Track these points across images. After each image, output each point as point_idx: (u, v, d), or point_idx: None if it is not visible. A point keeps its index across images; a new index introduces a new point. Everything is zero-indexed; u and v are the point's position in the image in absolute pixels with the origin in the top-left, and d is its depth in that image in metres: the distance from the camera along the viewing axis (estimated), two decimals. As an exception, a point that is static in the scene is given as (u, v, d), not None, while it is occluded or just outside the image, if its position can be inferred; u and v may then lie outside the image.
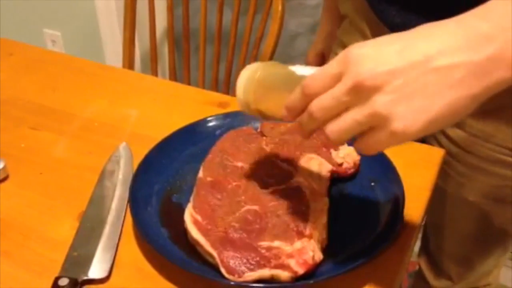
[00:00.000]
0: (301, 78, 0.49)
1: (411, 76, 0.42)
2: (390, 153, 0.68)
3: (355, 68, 0.44)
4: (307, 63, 1.11)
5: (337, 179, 0.68)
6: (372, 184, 0.66)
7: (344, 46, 0.89)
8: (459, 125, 0.79)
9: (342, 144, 0.52)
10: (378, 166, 0.67)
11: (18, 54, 0.98)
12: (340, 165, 0.68)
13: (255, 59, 1.39)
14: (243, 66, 1.37)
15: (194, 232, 0.59)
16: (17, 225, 0.65)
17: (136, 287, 0.57)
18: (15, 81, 0.91)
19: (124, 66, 1.40)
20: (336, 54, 0.57)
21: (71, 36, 2.09)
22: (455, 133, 0.79)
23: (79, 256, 0.59)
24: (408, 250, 0.61)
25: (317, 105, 0.47)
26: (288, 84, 0.52)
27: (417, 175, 0.69)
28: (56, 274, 0.57)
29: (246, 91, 0.56)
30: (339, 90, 0.45)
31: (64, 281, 0.55)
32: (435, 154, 0.73)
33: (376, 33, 0.76)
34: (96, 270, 0.58)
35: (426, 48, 0.43)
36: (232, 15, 1.37)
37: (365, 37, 0.84)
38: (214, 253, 0.56)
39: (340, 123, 0.46)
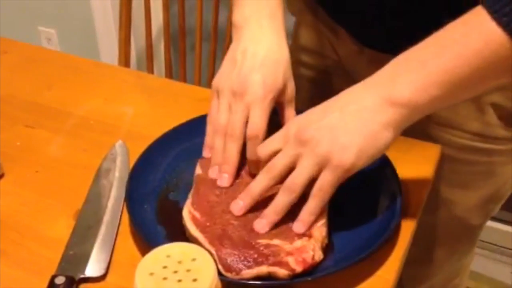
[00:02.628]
0: None
1: (334, 122, 0.57)
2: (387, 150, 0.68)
3: (294, 132, 0.58)
4: None
5: None
6: (370, 180, 0.66)
7: (300, 45, 0.93)
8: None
9: (317, 197, 0.59)
10: (375, 163, 0.67)
11: (13, 52, 0.97)
12: None
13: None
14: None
15: (193, 229, 0.58)
16: (13, 224, 0.65)
17: (133, 285, 0.56)
18: (10, 79, 0.90)
19: (120, 64, 1.40)
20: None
21: (66, 34, 2.08)
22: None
23: (75, 254, 0.59)
24: (406, 246, 0.61)
25: (271, 164, 0.59)
26: None
27: (414, 171, 0.69)
28: (53, 273, 0.56)
29: None
30: (286, 149, 0.59)
31: (60, 280, 0.55)
32: (432, 150, 0.73)
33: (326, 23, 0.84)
34: (93, 268, 0.58)
35: (340, 102, 0.59)
36: (228, 13, 1.37)
37: (323, 37, 0.88)
38: (212, 250, 0.56)
39: (294, 172, 0.58)
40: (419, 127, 0.78)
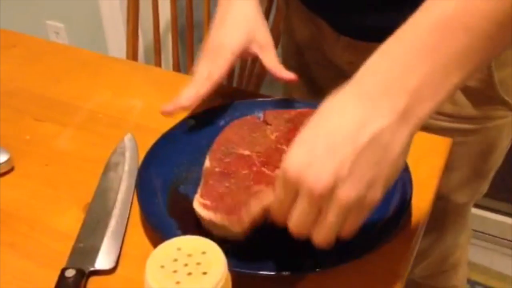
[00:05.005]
0: None
1: (351, 162, 0.46)
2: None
3: (303, 185, 0.47)
4: None
5: None
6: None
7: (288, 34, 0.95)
8: None
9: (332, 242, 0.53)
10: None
11: (21, 46, 0.98)
12: None
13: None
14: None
15: (204, 213, 0.58)
16: (23, 217, 0.65)
17: (143, 277, 0.57)
18: (19, 73, 0.90)
19: (127, 58, 1.39)
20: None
21: (74, 28, 2.08)
22: None
23: (85, 247, 0.59)
24: (416, 238, 0.60)
25: (293, 225, 0.50)
26: None
27: (425, 164, 0.68)
28: (62, 266, 0.57)
29: None
30: (302, 207, 0.48)
31: (70, 272, 0.55)
32: (442, 143, 0.73)
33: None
34: (103, 261, 0.58)
35: (347, 132, 0.46)
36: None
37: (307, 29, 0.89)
38: (230, 219, 0.56)
39: (321, 231, 0.49)
40: None
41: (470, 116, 0.79)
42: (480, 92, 0.77)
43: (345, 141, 0.46)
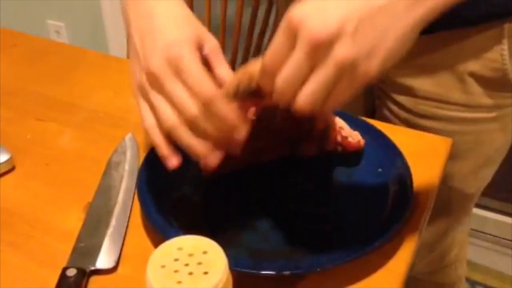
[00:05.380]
0: None
1: (359, 19, 0.44)
2: (397, 142, 0.68)
3: (305, 30, 0.44)
4: None
5: (340, 157, 0.68)
6: (380, 170, 0.66)
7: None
8: (406, 92, 0.82)
9: (321, 112, 0.50)
10: (385, 153, 0.67)
11: (22, 45, 0.98)
12: (345, 138, 0.68)
13: (260, 50, 1.39)
14: (248, 57, 1.36)
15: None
16: (24, 216, 0.65)
17: (144, 277, 0.57)
18: (20, 72, 0.91)
19: (128, 57, 1.39)
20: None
21: (74, 27, 2.08)
22: (404, 99, 0.82)
23: (86, 246, 0.59)
24: (416, 238, 0.60)
25: (281, 80, 0.47)
26: None
27: (425, 164, 0.68)
28: (63, 265, 0.57)
29: None
30: (297, 57, 0.45)
31: (71, 272, 0.55)
32: (442, 143, 0.73)
33: None
34: (104, 260, 0.58)
35: None
36: (236, 7, 1.37)
37: None
38: None
39: (310, 87, 0.46)
40: (407, 104, 0.81)
41: (482, 104, 0.79)
42: (493, 80, 0.77)
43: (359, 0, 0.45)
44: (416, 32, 0.46)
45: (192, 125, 0.53)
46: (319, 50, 0.44)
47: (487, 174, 0.91)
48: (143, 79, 0.55)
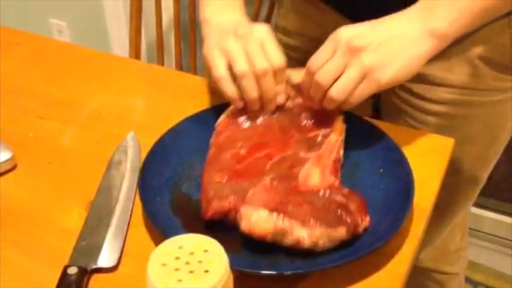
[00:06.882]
0: None
1: (381, 40, 0.63)
2: (399, 143, 0.68)
3: (345, 39, 0.63)
4: None
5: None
6: (381, 170, 0.66)
7: (284, 29, 0.95)
8: (416, 78, 0.81)
9: (345, 103, 0.65)
10: (387, 153, 0.67)
11: (24, 44, 0.98)
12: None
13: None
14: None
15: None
16: (26, 215, 0.65)
17: (145, 275, 0.57)
18: (22, 71, 0.91)
19: (130, 56, 1.40)
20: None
21: (77, 26, 2.08)
22: (414, 85, 0.84)
23: (87, 245, 0.59)
24: (417, 238, 0.61)
25: (321, 73, 0.64)
26: None
27: (427, 164, 0.68)
28: (65, 263, 0.57)
29: None
30: (336, 57, 0.63)
31: (73, 270, 0.56)
32: (444, 143, 0.73)
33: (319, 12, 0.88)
34: (105, 259, 0.58)
35: (386, 25, 0.65)
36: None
37: (306, 17, 0.91)
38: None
39: (341, 81, 0.63)
40: (417, 90, 0.84)
41: (490, 88, 0.81)
42: (501, 64, 0.79)
43: (382, 28, 0.64)
44: (424, 59, 0.64)
45: (257, 78, 0.66)
46: (352, 53, 0.62)
47: (494, 156, 0.93)
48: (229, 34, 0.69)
